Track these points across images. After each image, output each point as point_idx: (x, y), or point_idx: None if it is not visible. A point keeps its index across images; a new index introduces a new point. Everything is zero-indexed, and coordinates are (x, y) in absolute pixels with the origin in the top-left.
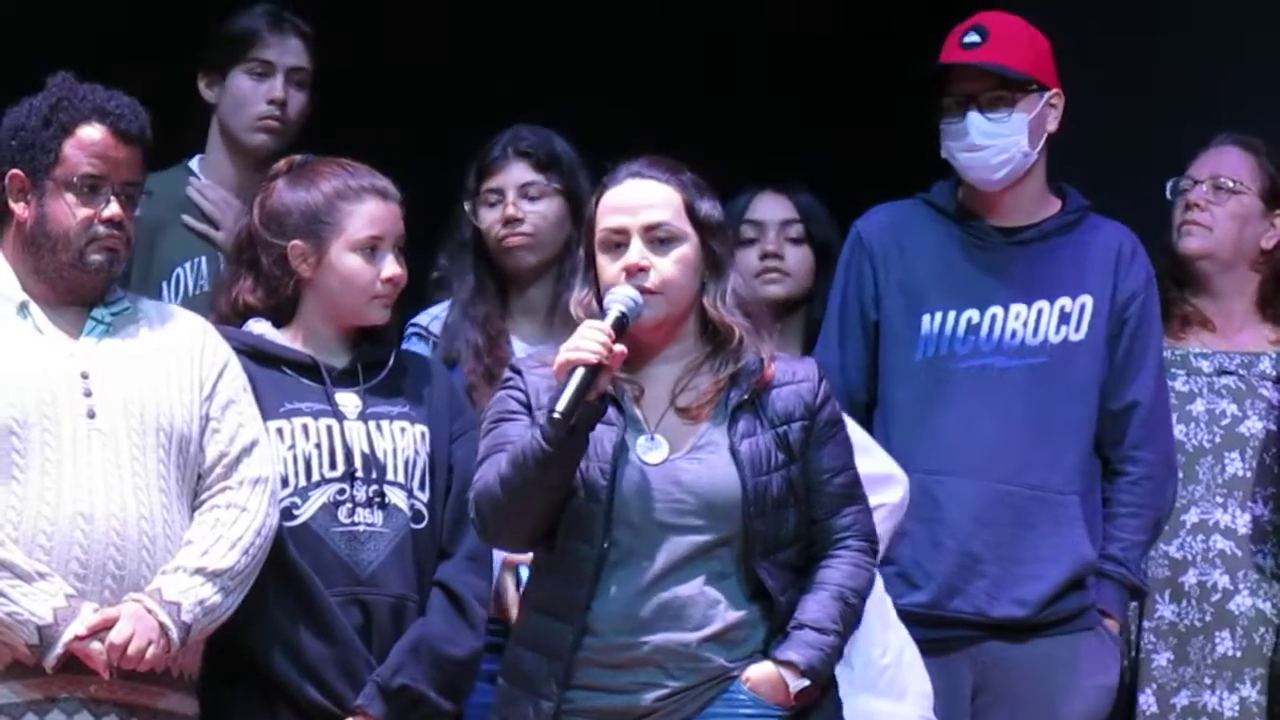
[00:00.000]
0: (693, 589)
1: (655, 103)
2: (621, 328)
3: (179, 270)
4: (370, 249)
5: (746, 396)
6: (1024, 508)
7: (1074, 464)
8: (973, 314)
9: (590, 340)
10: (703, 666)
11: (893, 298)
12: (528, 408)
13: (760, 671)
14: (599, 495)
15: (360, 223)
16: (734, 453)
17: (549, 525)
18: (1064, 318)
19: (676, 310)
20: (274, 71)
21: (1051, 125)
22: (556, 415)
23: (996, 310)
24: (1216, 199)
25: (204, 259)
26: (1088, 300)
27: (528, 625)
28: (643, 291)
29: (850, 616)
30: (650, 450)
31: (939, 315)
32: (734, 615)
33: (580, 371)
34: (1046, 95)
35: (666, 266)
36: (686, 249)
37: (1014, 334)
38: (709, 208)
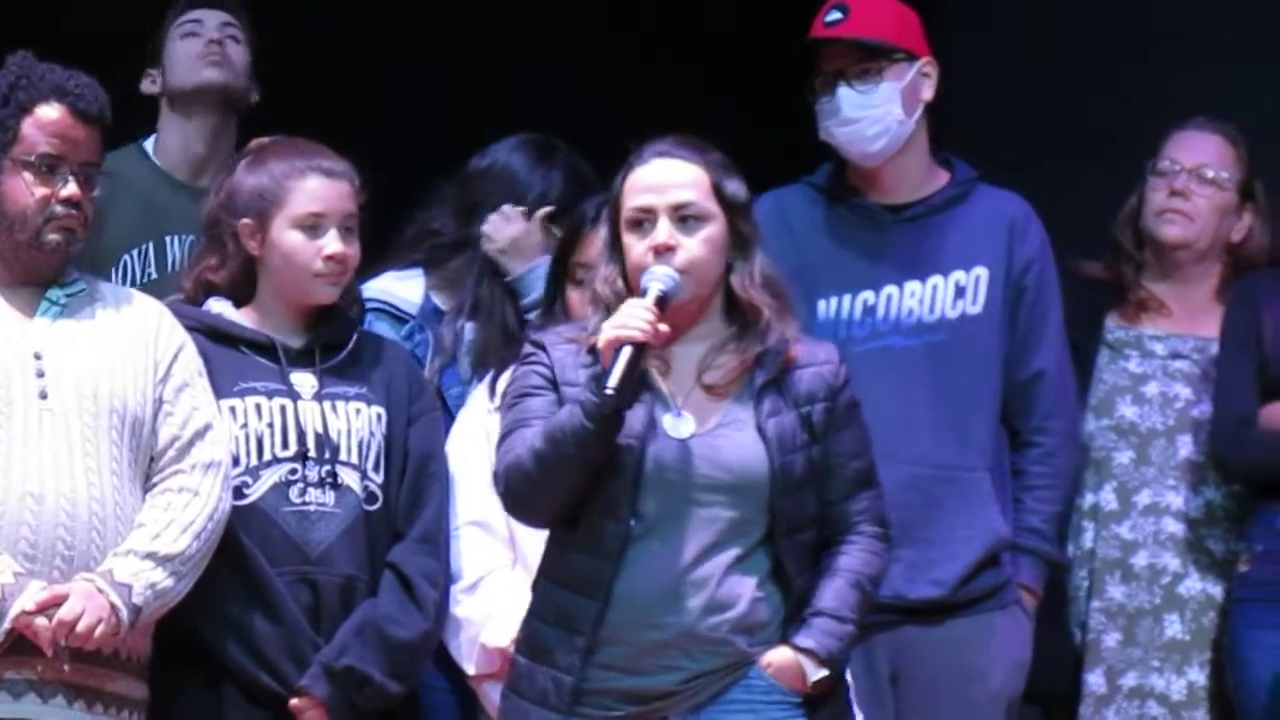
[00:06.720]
0: (717, 568)
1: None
2: (662, 307)
3: (126, 257)
4: (312, 226)
5: (772, 376)
6: (935, 488)
7: (982, 440)
8: (867, 295)
9: (637, 318)
10: (724, 650)
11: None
12: (553, 383)
13: (780, 658)
14: (627, 470)
15: (301, 199)
16: (761, 430)
17: (576, 502)
18: (959, 292)
19: (703, 290)
20: (204, 28)
21: (926, 94)
22: (609, 391)
23: (891, 290)
24: (1201, 190)
25: (151, 245)
26: (982, 272)
27: (548, 601)
28: None
29: (866, 604)
30: (677, 425)
31: (834, 300)
32: (756, 597)
33: (628, 349)
34: (918, 64)
35: (694, 246)
36: (714, 229)
37: (910, 312)
38: (735, 187)
